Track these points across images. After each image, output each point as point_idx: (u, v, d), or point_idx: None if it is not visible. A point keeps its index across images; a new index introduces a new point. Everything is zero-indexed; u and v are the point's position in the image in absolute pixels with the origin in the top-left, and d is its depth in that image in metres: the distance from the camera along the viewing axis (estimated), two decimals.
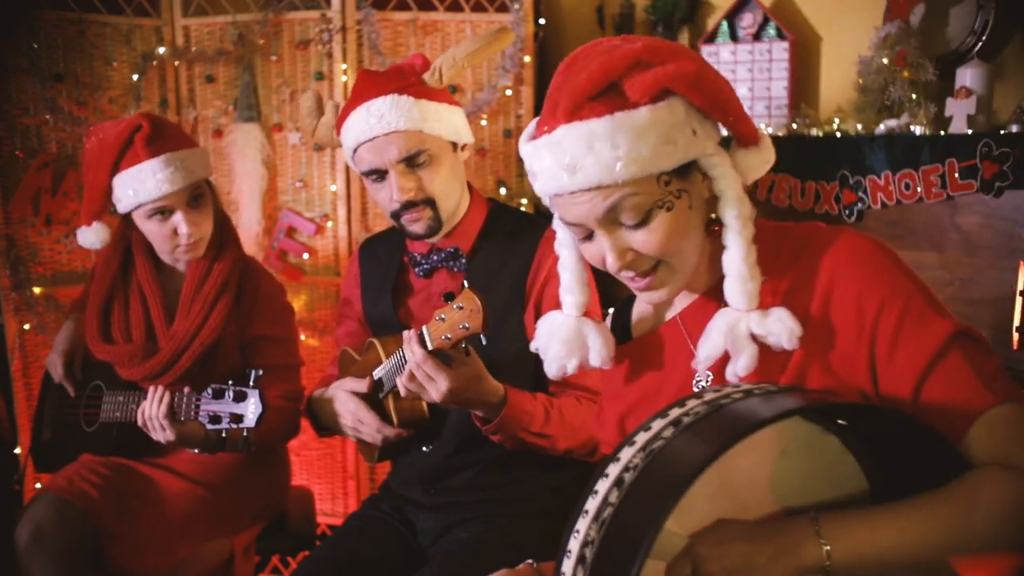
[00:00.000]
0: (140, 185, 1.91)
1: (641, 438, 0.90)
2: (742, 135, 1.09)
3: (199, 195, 1.98)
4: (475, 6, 2.69)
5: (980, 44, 2.02)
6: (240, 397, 1.69)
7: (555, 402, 1.68)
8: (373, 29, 2.64)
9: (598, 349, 1.18)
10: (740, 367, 1.05)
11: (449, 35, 2.70)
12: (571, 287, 1.21)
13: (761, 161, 1.11)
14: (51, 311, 2.62)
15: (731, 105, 1.06)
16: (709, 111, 1.05)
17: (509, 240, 1.80)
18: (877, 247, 1.06)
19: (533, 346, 1.25)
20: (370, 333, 1.93)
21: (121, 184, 1.94)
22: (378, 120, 1.67)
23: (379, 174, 1.71)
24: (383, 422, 1.72)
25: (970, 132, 1.92)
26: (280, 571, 2.83)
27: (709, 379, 1.13)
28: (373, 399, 1.76)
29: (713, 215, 1.10)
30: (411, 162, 1.69)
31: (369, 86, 1.71)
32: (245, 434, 1.71)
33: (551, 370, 1.21)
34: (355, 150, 1.72)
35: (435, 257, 1.80)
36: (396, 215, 1.74)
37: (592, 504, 0.88)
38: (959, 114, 1.95)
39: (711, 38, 2.48)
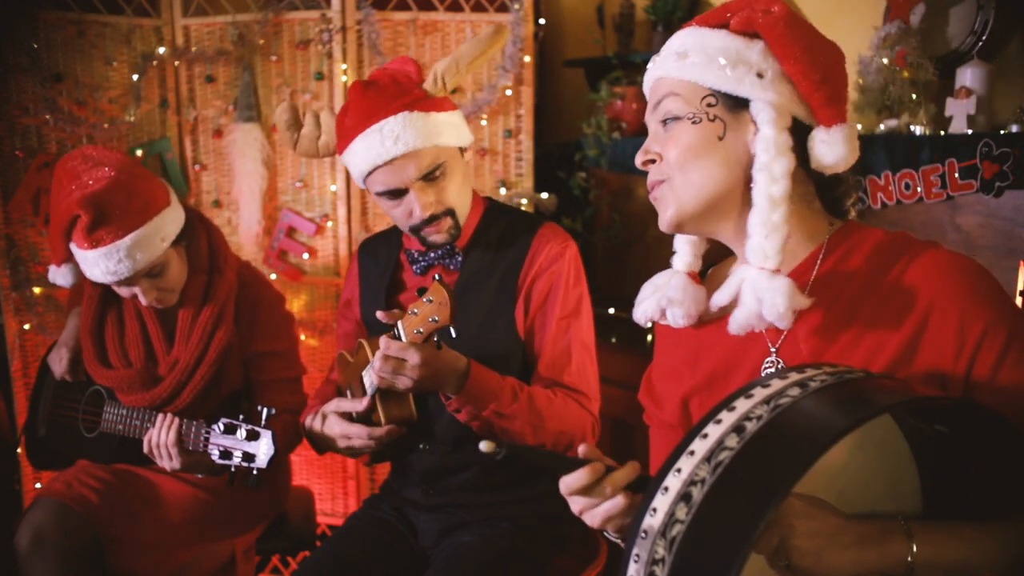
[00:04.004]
0: (88, 270, 1.83)
1: (760, 392, 0.90)
2: (815, 109, 1.09)
3: (157, 266, 1.87)
4: (475, 6, 2.69)
5: (980, 44, 2.02)
6: (253, 436, 1.67)
7: (526, 387, 1.67)
8: (373, 29, 2.64)
9: (685, 303, 1.20)
10: (733, 321, 1.08)
11: (449, 35, 2.70)
12: (680, 244, 1.25)
13: (831, 146, 1.08)
14: (51, 311, 2.62)
15: (812, 75, 1.06)
16: (789, 73, 1.08)
17: (504, 237, 1.79)
18: (976, 269, 1.05)
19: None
20: (366, 334, 1.91)
21: (75, 257, 1.85)
22: (394, 142, 1.62)
23: (396, 193, 1.68)
24: (370, 427, 1.69)
25: (970, 132, 1.92)
26: (280, 571, 2.83)
27: (780, 366, 1.13)
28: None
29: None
30: (429, 177, 1.67)
31: (374, 106, 1.65)
32: (255, 472, 1.68)
33: (636, 312, 1.24)
34: (369, 173, 1.68)
35: (432, 254, 1.78)
36: (416, 229, 1.71)
37: (701, 445, 0.87)
38: (959, 114, 1.96)
39: None
